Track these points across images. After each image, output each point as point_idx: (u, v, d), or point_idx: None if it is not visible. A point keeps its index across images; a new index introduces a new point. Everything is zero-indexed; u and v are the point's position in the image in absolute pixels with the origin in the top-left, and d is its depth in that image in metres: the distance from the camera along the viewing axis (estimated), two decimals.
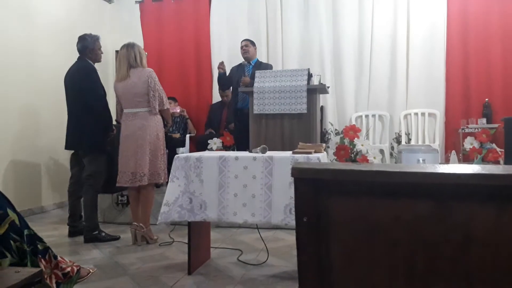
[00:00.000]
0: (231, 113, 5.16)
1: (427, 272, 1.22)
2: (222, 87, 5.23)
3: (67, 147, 3.72)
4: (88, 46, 3.63)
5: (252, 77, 4.17)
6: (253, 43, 4.94)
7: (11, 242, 1.59)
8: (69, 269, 1.88)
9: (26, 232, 1.67)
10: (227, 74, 4.96)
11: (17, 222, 1.64)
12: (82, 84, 3.53)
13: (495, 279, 1.17)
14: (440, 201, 1.19)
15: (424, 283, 1.22)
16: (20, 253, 1.62)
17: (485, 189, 1.16)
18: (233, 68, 4.99)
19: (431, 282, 1.21)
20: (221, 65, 4.83)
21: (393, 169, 1.23)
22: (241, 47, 4.89)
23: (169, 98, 5.41)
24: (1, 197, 1.70)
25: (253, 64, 4.84)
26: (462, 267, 1.19)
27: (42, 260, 1.72)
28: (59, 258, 1.87)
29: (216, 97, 5.86)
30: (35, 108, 4.85)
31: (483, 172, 1.18)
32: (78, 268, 1.95)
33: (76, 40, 3.69)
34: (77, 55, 3.68)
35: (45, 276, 1.69)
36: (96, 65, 3.72)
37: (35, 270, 1.47)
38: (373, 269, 1.26)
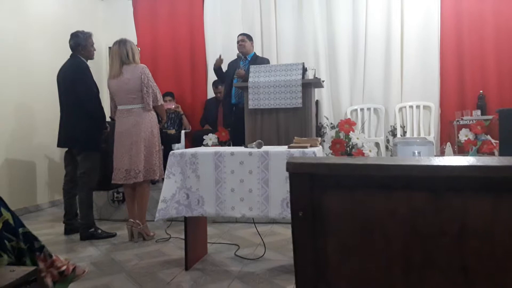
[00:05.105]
0: (226, 109, 5.15)
1: (423, 264, 1.22)
2: (219, 79, 5.25)
3: (59, 144, 3.70)
4: (80, 43, 3.60)
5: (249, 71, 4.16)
6: (249, 38, 4.93)
7: (6, 242, 1.58)
8: (64, 267, 1.87)
9: (21, 230, 1.66)
10: (226, 69, 5.03)
11: (11, 221, 1.63)
12: (74, 82, 3.50)
13: (491, 270, 1.17)
14: (435, 194, 1.19)
15: (421, 275, 1.22)
16: (17, 253, 1.61)
17: (480, 181, 1.17)
18: (230, 63, 5.00)
19: (427, 275, 1.22)
20: (218, 60, 4.97)
21: (388, 162, 1.23)
22: (238, 42, 4.88)
23: (166, 94, 5.42)
24: None
25: (249, 59, 4.83)
26: (458, 258, 1.20)
27: (41, 257, 1.71)
28: (54, 257, 1.86)
29: (211, 93, 5.84)
30: (29, 107, 4.82)
31: (478, 164, 1.18)
32: (73, 267, 1.94)
33: (69, 37, 3.66)
34: (70, 52, 3.65)
35: (43, 274, 1.68)
36: (89, 62, 3.69)
37: (30, 269, 1.46)
38: (369, 262, 1.26)
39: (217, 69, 5.06)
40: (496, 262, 1.17)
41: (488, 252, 1.18)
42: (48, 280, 1.66)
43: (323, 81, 4.16)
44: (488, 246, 1.17)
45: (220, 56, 5.01)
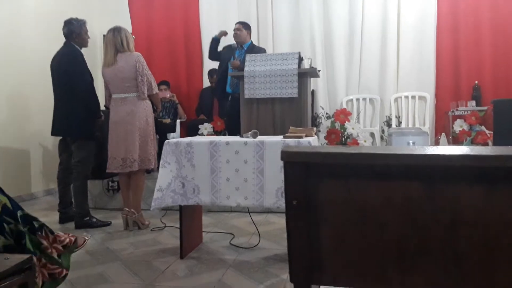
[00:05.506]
0: (218, 97, 5.13)
1: (417, 252, 1.23)
2: (210, 53, 5.12)
3: (54, 133, 3.67)
4: (74, 31, 3.55)
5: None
6: (246, 27, 4.81)
7: (5, 225, 1.59)
8: (67, 240, 1.89)
9: (20, 213, 1.67)
10: (222, 49, 4.98)
11: (8, 205, 1.64)
12: (68, 70, 3.46)
13: (483, 258, 1.18)
14: (429, 183, 1.20)
15: (414, 263, 1.24)
16: (15, 235, 1.62)
17: (474, 170, 1.17)
18: (225, 47, 4.94)
19: (420, 262, 1.23)
20: (223, 31, 4.90)
21: (382, 151, 1.24)
22: (233, 30, 4.81)
23: (161, 82, 5.39)
24: None
25: (245, 48, 4.76)
26: (451, 247, 1.21)
27: (43, 236, 1.72)
28: (55, 233, 1.87)
29: (207, 82, 5.82)
30: (23, 94, 4.77)
31: (472, 153, 1.19)
32: (74, 238, 1.96)
33: (63, 24, 3.61)
34: (64, 39, 3.60)
35: (49, 251, 1.71)
36: (84, 50, 3.65)
37: (25, 256, 1.46)
38: (363, 250, 1.27)
39: (216, 40, 4.93)
40: (488, 250, 1.18)
41: (480, 240, 1.19)
42: (54, 255, 1.68)
43: (319, 71, 4.15)
44: (480, 235, 1.19)
45: (226, 32, 4.92)
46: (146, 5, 6.05)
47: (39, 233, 1.68)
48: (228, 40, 4.99)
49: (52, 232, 1.76)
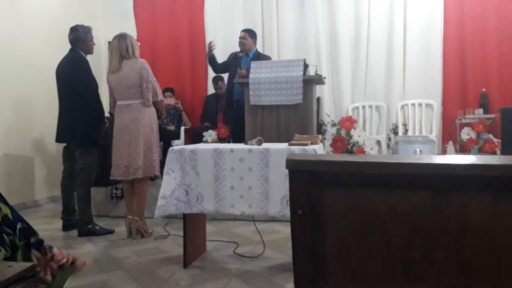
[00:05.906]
0: (226, 105, 5.12)
1: (422, 262, 1.21)
2: (214, 70, 5.17)
3: (58, 140, 3.69)
4: (80, 37, 3.57)
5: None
6: (252, 35, 4.78)
7: (4, 236, 1.57)
8: (64, 260, 1.86)
9: (19, 225, 1.65)
10: (227, 59, 4.98)
11: (9, 215, 1.62)
12: (74, 76, 3.48)
13: (490, 269, 1.16)
14: (436, 192, 1.18)
15: (420, 273, 1.21)
16: (13, 247, 1.60)
17: (481, 179, 1.15)
18: (231, 55, 4.94)
19: (426, 273, 1.21)
20: (210, 45, 4.91)
21: (388, 160, 1.22)
22: (239, 38, 4.80)
23: (166, 89, 5.40)
24: None
25: (251, 56, 4.74)
26: (457, 257, 1.18)
27: (36, 253, 1.70)
28: (54, 251, 1.85)
29: (211, 89, 5.82)
30: (27, 101, 4.79)
31: (479, 162, 1.17)
32: (73, 259, 1.94)
33: (68, 30, 3.63)
34: (69, 46, 3.63)
35: (39, 269, 1.69)
36: (89, 56, 3.67)
37: (28, 264, 1.45)
38: (368, 260, 1.25)
39: (212, 57, 4.96)
40: (495, 261, 1.16)
41: (487, 250, 1.17)
42: (48, 274, 1.66)
43: (324, 78, 4.14)
44: (487, 245, 1.16)
45: (210, 43, 4.94)
46: (151, 12, 6.09)
47: (35, 249, 1.66)
48: (232, 47, 4.99)
49: (50, 250, 1.73)
